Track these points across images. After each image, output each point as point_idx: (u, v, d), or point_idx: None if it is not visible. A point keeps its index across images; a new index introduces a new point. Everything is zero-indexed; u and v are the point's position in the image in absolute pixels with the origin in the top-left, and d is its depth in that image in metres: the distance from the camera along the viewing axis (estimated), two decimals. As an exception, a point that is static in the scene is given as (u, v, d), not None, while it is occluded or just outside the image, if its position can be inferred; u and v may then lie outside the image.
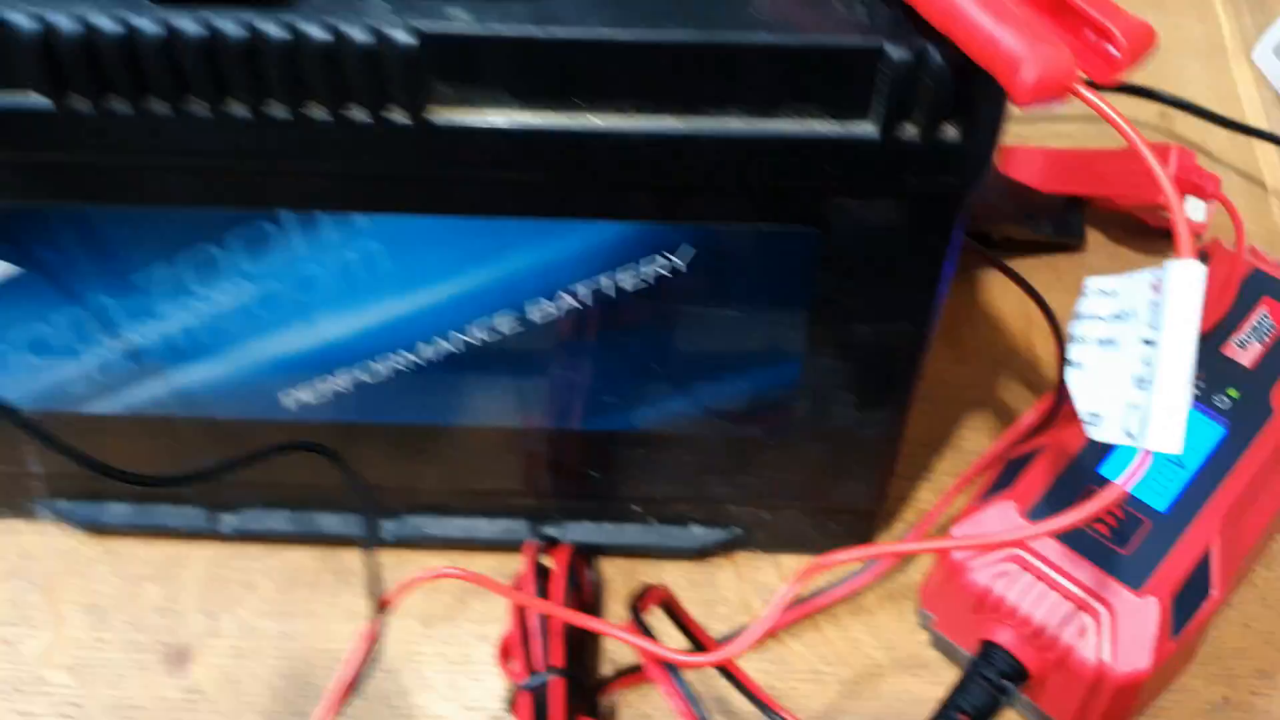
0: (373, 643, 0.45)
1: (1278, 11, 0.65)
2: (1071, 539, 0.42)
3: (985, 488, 0.45)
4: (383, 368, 0.39)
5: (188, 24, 0.29)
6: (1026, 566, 0.42)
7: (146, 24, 0.29)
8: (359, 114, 0.30)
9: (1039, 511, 0.43)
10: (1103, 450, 0.44)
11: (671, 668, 0.39)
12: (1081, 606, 0.41)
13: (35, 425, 0.35)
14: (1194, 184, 0.52)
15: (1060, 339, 0.44)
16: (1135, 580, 0.41)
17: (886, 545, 0.48)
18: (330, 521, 0.48)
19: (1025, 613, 0.41)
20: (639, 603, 0.41)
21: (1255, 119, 0.63)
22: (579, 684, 0.42)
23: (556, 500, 0.46)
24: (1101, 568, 0.41)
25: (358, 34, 0.29)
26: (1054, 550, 0.42)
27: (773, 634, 0.46)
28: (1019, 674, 0.42)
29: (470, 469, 0.45)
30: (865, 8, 0.29)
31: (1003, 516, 0.43)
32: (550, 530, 0.47)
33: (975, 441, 0.52)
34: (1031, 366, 0.54)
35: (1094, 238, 0.59)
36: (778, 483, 0.44)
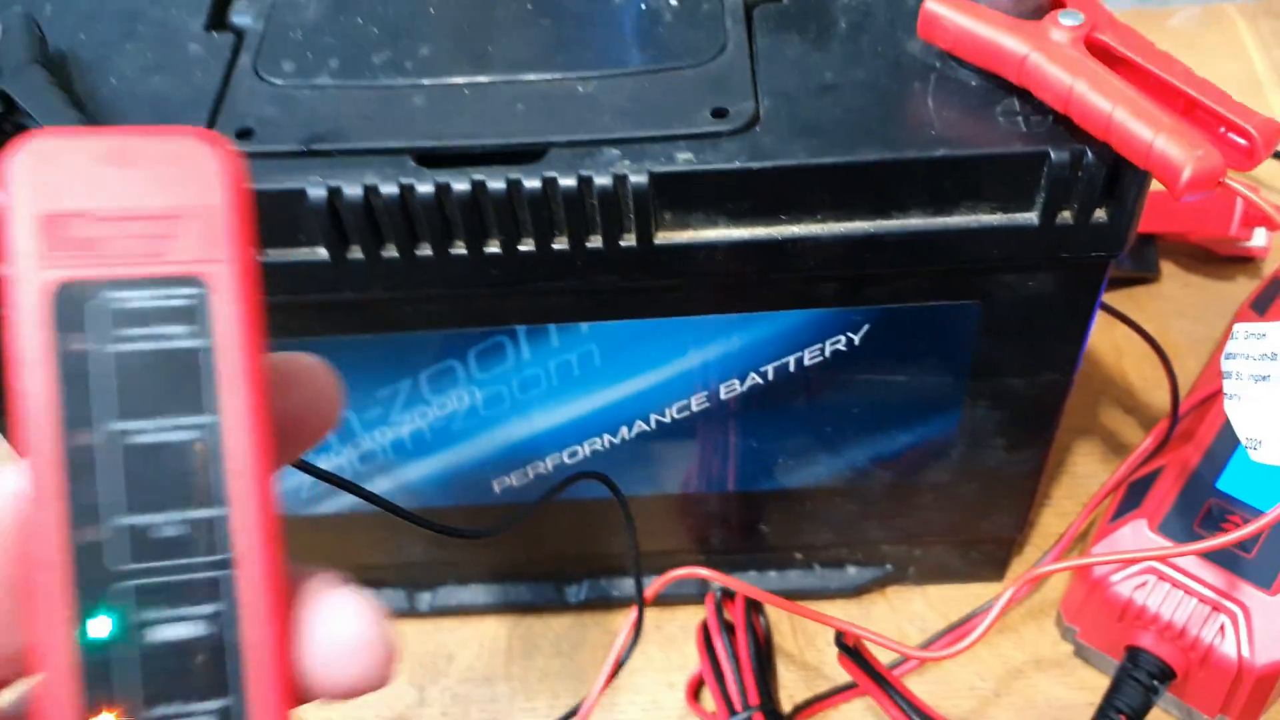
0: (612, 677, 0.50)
1: (1306, 45, 0.71)
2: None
3: (1113, 509, 0.50)
4: (585, 449, 0.44)
5: (456, 181, 0.34)
6: (1163, 577, 0.47)
7: (419, 184, 0.34)
8: (596, 242, 0.36)
9: (1168, 526, 0.47)
10: (1218, 467, 0.49)
11: (887, 686, 0.44)
12: (1217, 609, 0.46)
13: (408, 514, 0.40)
14: (1262, 215, 0.57)
15: (1168, 366, 0.50)
16: (1265, 580, 0.46)
17: (1084, 559, 0.53)
18: (519, 592, 0.53)
19: (1167, 619, 0.46)
20: (843, 638, 0.46)
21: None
22: (776, 717, 0.47)
23: (728, 554, 0.51)
24: (1232, 571, 0.46)
25: (600, 179, 0.34)
26: (1187, 560, 0.46)
27: (933, 660, 0.51)
28: (1166, 674, 0.46)
29: (652, 533, 0.50)
30: (1023, 118, 0.34)
31: (1137, 534, 0.48)
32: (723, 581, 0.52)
33: (1087, 467, 0.57)
34: (1129, 393, 0.60)
35: (1167, 269, 0.64)
36: (930, 522, 0.49)
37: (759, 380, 0.41)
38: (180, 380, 0.20)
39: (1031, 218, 0.35)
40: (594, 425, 0.43)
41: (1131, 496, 0.50)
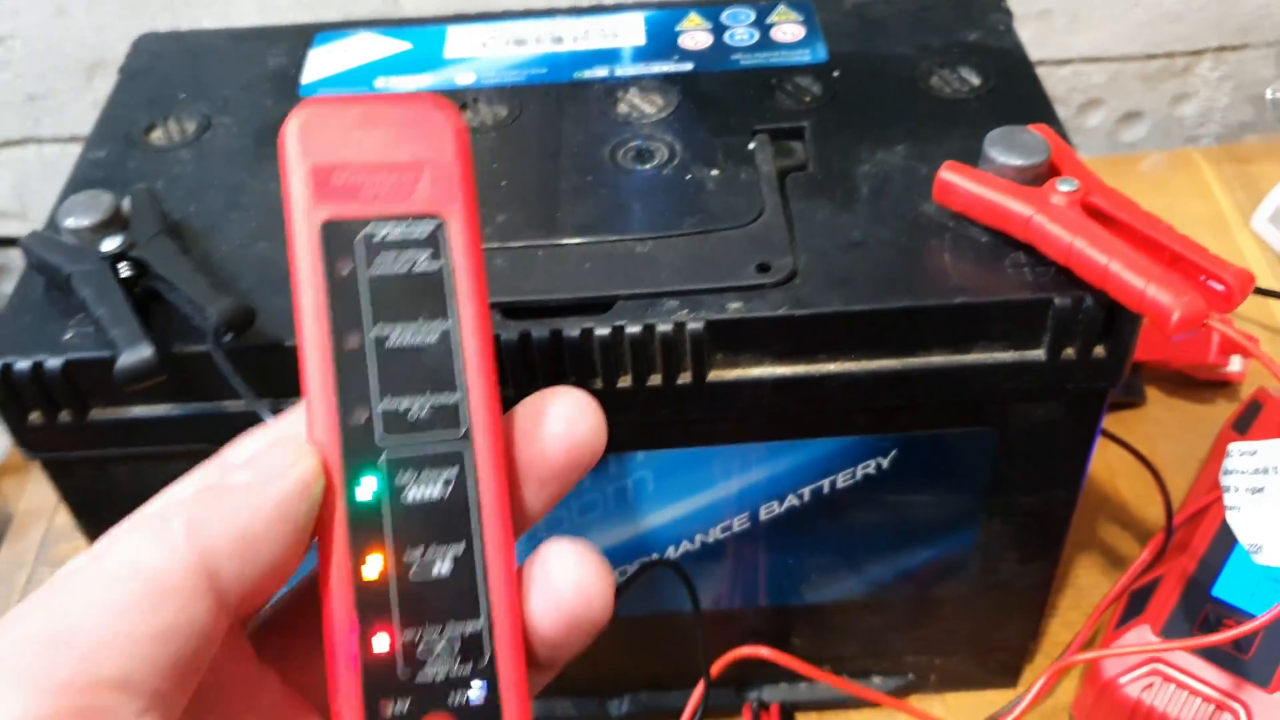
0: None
1: (1265, 187, 0.78)
2: (1201, 651, 0.50)
3: (1117, 617, 0.54)
4: (632, 568, 0.48)
5: (537, 331, 0.39)
6: (1168, 679, 0.50)
7: (505, 334, 0.39)
8: (656, 380, 0.40)
9: (1170, 630, 0.52)
10: (1213, 575, 0.53)
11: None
12: (1221, 707, 0.49)
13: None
14: (1237, 345, 0.63)
15: (1161, 483, 0.54)
16: (1263, 679, 0.49)
17: (1101, 652, 0.57)
18: (564, 706, 0.56)
19: (1174, 718, 0.50)
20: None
21: (1264, 280, 0.74)
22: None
23: (761, 667, 0.55)
24: (1232, 672, 0.50)
25: (662, 326, 0.39)
26: (1189, 662, 0.50)
27: (958, 762, 0.54)
28: (1176, 771, 0.50)
29: (688, 649, 0.53)
30: (1029, 269, 0.40)
31: (1142, 638, 0.52)
32: (754, 693, 0.55)
33: (1088, 579, 0.62)
34: (1123, 509, 0.64)
35: (1152, 393, 0.69)
36: (950, 632, 0.53)
37: (796, 502, 0.46)
38: (423, 294, 0.26)
39: (1039, 354, 0.40)
40: (643, 546, 0.47)
41: (1134, 604, 0.54)
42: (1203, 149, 0.86)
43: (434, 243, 0.26)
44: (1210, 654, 0.51)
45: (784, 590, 0.50)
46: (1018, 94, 0.47)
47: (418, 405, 0.25)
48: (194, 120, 0.48)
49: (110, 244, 0.39)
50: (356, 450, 0.25)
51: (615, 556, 0.48)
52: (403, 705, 0.25)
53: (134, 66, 0.52)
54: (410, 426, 0.25)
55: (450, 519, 0.25)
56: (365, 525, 0.25)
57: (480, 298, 0.26)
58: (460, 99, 0.48)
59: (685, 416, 0.42)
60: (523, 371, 0.40)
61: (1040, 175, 0.40)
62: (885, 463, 0.44)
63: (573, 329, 0.39)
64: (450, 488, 0.25)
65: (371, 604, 0.25)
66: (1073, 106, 0.85)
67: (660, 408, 0.41)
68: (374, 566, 0.25)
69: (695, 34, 0.51)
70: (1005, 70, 0.48)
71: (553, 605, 0.25)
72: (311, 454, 0.24)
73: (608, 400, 0.40)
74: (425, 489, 0.25)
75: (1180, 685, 0.50)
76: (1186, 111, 0.87)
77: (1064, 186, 0.39)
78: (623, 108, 0.48)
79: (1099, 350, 0.40)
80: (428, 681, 0.25)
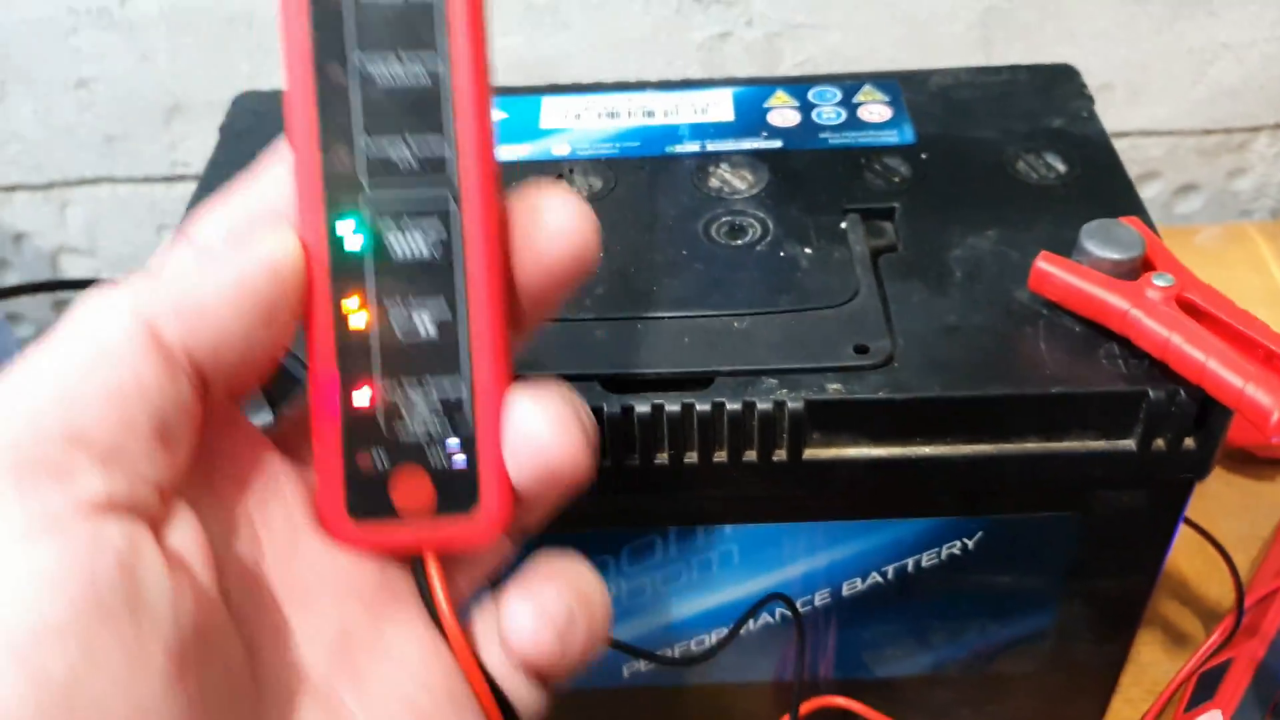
0: None
1: (1323, 265, 0.78)
2: (1274, 738, 0.51)
3: (1185, 699, 0.55)
4: (712, 638, 0.49)
5: (639, 405, 0.40)
6: (1238, 765, 0.51)
7: (607, 406, 0.40)
8: (751, 456, 0.41)
9: (1242, 717, 0.52)
10: (1282, 660, 0.53)
11: None
12: (1292, 796, 0.49)
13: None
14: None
15: (1232, 565, 0.54)
16: (1335, 770, 0.50)
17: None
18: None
19: (1244, 804, 0.50)
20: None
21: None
22: None
23: (826, 735, 0.55)
24: (1303, 761, 0.50)
25: (762, 404, 0.40)
26: (1259, 749, 0.51)
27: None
28: None
29: (755, 717, 0.54)
30: (1122, 361, 0.40)
31: (1211, 723, 0.52)
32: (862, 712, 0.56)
33: (1150, 656, 0.62)
34: (1184, 586, 0.64)
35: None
36: (1019, 709, 0.53)
37: (879, 579, 0.46)
38: (415, 24, 0.24)
39: (1130, 445, 0.41)
40: (724, 616, 0.48)
41: (1204, 687, 0.54)
42: (1257, 223, 0.87)
43: None
44: (1281, 741, 0.51)
45: (855, 664, 0.51)
46: (1104, 182, 0.48)
47: (404, 150, 0.24)
48: (296, 182, 0.49)
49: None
50: (340, 196, 0.24)
51: (696, 625, 0.48)
52: (380, 455, 0.25)
53: (235, 126, 0.53)
54: (397, 174, 0.24)
55: (435, 276, 0.24)
56: (349, 277, 0.24)
57: (478, 36, 0.24)
58: (558, 169, 0.49)
59: (778, 493, 0.42)
60: (621, 444, 0.40)
61: (1135, 269, 0.41)
62: (970, 543, 0.45)
63: (674, 404, 0.40)
64: (436, 243, 0.24)
65: (354, 357, 0.24)
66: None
67: (754, 484, 0.42)
68: (357, 320, 0.24)
69: (783, 111, 0.52)
70: (1090, 158, 0.49)
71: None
72: (287, 235, 0.24)
73: (703, 474, 0.41)
74: (411, 243, 0.24)
75: (1251, 772, 0.50)
76: (1242, 186, 0.87)
77: (1160, 281, 0.40)
78: (714, 182, 0.49)
79: (1189, 442, 0.41)
80: (407, 438, 0.25)
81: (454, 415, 0.25)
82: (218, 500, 0.24)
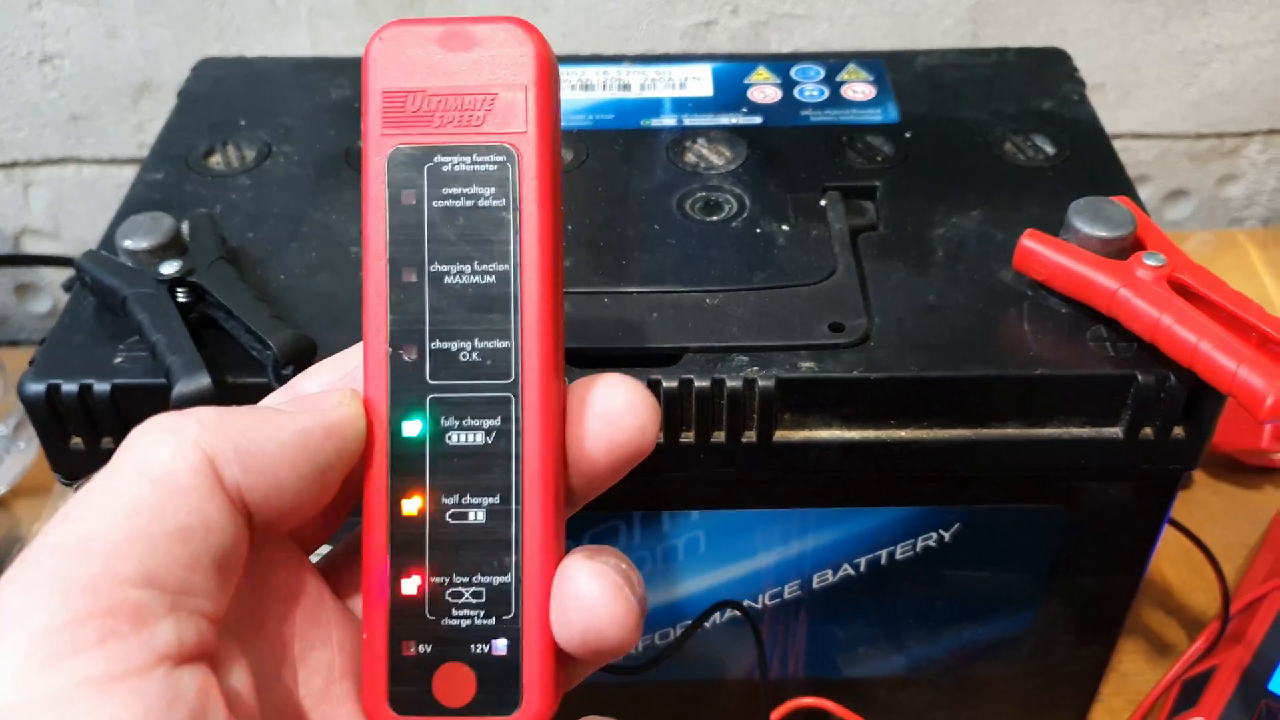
0: None
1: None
2: (1260, 749, 0.49)
3: (1168, 707, 0.53)
4: (676, 631, 0.47)
5: (601, 381, 0.38)
6: (1223, 776, 0.48)
7: (570, 381, 0.38)
8: (719, 438, 0.39)
9: (1226, 726, 0.50)
10: (1269, 669, 0.51)
11: None
12: (1278, 809, 0.47)
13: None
14: (1290, 430, 0.61)
15: (1219, 571, 0.53)
16: (1323, 782, 0.48)
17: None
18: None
19: (1229, 817, 0.48)
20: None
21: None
22: None
23: (796, 739, 0.53)
24: (1289, 773, 0.48)
25: (731, 381, 0.38)
26: (1245, 760, 0.49)
27: None
28: None
29: (725, 717, 0.51)
30: (1110, 344, 0.38)
31: (1195, 732, 0.50)
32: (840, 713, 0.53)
33: (1132, 665, 0.60)
34: (1168, 595, 0.62)
35: (1199, 477, 0.68)
36: (996, 714, 0.51)
37: (851, 571, 0.44)
38: (487, 232, 0.25)
39: (1117, 432, 0.39)
40: (689, 608, 0.46)
41: (1187, 695, 0.52)
42: (1248, 230, 0.85)
43: (502, 177, 0.25)
44: (1267, 751, 0.49)
45: (827, 662, 0.49)
46: (1094, 165, 0.46)
47: (469, 348, 0.25)
48: (254, 147, 0.47)
49: (169, 268, 0.38)
50: (404, 387, 0.25)
51: (658, 618, 0.46)
52: (425, 648, 0.25)
53: (194, 90, 0.51)
54: (460, 370, 0.25)
55: (490, 469, 0.25)
56: (406, 464, 0.25)
57: (547, 240, 0.25)
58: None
59: (747, 476, 0.40)
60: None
61: (1125, 248, 0.39)
62: (947, 536, 0.43)
63: (639, 380, 0.38)
64: (493, 436, 0.25)
65: (406, 544, 0.25)
66: (1119, 182, 0.84)
67: (722, 466, 0.40)
68: (411, 506, 0.25)
69: (764, 88, 0.50)
70: (1080, 141, 0.47)
71: (564, 628, 0.24)
72: (354, 403, 0.25)
73: (669, 456, 0.39)
74: (468, 434, 0.25)
75: (1235, 783, 0.48)
76: (1233, 193, 0.86)
77: (1150, 261, 0.38)
78: (690, 157, 0.47)
79: (1178, 431, 0.39)
80: (451, 628, 0.25)
81: (501, 610, 0.25)
82: (265, 639, 0.24)
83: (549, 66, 0.25)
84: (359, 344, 0.26)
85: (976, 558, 0.44)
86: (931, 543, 0.43)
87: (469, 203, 0.25)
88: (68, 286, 0.74)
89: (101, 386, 0.37)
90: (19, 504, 0.71)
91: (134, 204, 0.44)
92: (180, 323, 0.36)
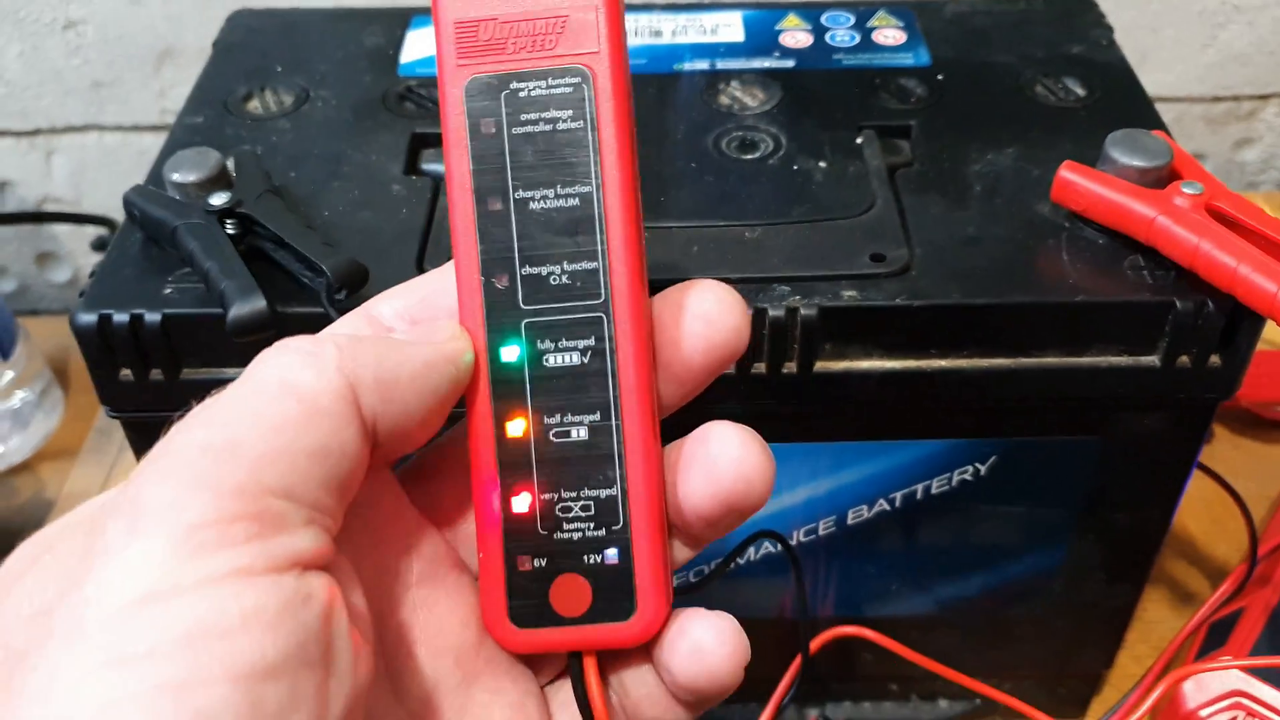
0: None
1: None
2: (1288, 686, 0.49)
3: (1195, 649, 0.53)
4: (709, 567, 0.47)
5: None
6: (1252, 713, 0.49)
7: (612, 311, 0.38)
8: (759, 369, 0.40)
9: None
10: (1298, 609, 0.52)
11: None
12: (1306, 745, 0.48)
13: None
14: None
15: (1246, 513, 0.53)
16: (1351, 717, 0.48)
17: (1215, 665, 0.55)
18: None
19: (1257, 754, 0.48)
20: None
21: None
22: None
23: (825, 682, 0.54)
24: (1318, 709, 0.48)
25: (774, 310, 0.38)
26: (1273, 696, 0.49)
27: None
28: (1258, 809, 0.48)
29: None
30: (1148, 272, 0.39)
31: (1225, 671, 0.50)
32: (817, 710, 0.54)
33: (1156, 613, 0.60)
34: (1191, 545, 0.63)
35: (1220, 432, 0.68)
36: (1025, 654, 0.51)
37: (886, 507, 0.45)
38: (568, 154, 0.25)
39: (1154, 360, 0.39)
40: (724, 545, 0.46)
41: (1215, 636, 0.52)
42: (1264, 194, 0.86)
43: (579, 99, 0.25)
44: (1296, 689, 0.49)
45: (859, 601, 0.49)
46: (1125, 105, 0.47)
47: (559, 271, 0.25)
48: (291, 92, 0.48)
49: (218, 199, 0.38)
50: (499, 314, 0.25)
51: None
52: (540, 562, 0.26)
53: (229, 40, 0.52)
54: (551, 293, 0.25)
55: (589, 387, 0.25)
56: (507, 389, 0.25)
57: (626, 159, 0.25)
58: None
59: (787, 408, 0.41)
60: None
61: (1162, 178, 0.39)
62: (984, 469, 0.43)
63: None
64: (589, 356, 0.25)
65: (513, 465, 0.25)
66: (1136, 146, 0.85)
67: (761, 398, 0.40)
68: (516, 429, 0.25)
69: (795, 34, 0.50)
70: (1111, 83, 0.48)
71: (711, 484, 0.25)
72: (465, 337, 0.25)
73: (708, 388, 0.40)
74: (565, 356, 0.25)
75: (1263, 720, 0.49)
76: (1249, 157, 0.86)
77: (1188, 189, 0.38)
78: (724, 99, 0.47)
79: (1214, 360, 0.39)
80: (564, 541, 0.26)
81: (610, 521, 0.26)
82: (365, 556, 0.25)
83: None
84: (431, 271, 0.27)
85: (1012, 492, 0.44)
86: (968, 476, 0.43)
87: (548, 127, 0.25)
88: (97, 245, 0.75)
89: (152, 316, 0.38)
90: (44, 467, 0.71)
91: (176, 145, 0.45)
92: (232, 249, 0.36)
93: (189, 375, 0.39)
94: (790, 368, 0.39)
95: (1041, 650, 0.51)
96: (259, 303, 0.34)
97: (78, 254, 0.87)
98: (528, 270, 0.25)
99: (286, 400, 0.22)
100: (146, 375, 0.39)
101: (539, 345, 0.25)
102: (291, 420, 0.22)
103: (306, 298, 0.37)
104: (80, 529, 0.22)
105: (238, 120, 0.46)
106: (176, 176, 0.39)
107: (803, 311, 0.38)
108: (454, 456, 0.27)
